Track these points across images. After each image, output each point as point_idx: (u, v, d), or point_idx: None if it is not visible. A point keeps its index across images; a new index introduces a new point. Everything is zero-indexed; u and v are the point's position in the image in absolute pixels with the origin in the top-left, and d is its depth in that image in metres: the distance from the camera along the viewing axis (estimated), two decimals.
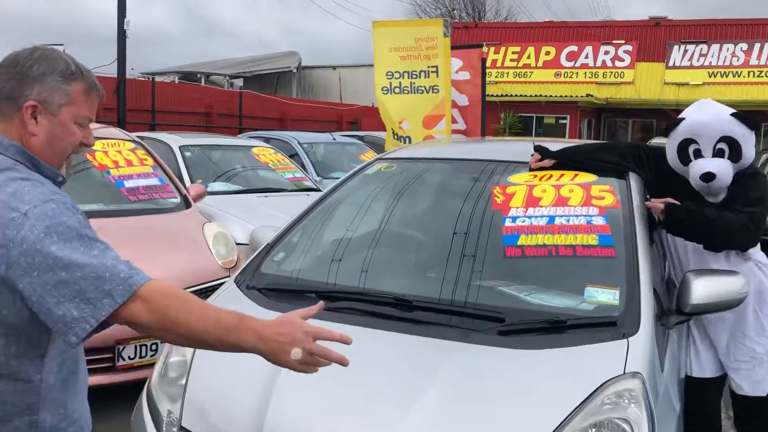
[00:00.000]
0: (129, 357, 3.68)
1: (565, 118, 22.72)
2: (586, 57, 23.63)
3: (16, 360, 1.41)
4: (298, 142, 8.81)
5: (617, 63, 23.22)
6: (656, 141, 18.11)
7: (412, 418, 1.84)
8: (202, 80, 25.56)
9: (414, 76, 7.54)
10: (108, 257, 1.37)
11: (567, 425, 1.81)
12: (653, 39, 22.92)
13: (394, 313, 2.26)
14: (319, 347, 1.40)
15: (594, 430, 1.82)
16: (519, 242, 2.46)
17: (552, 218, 2.53)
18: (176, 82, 22.36)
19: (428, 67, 7.60)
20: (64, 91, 1.47)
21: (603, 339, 2.08)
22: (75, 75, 1.49)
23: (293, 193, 6.65)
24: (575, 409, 1.84)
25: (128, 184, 4.70)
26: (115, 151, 4.87)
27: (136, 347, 3.70)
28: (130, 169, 4.80)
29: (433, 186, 3.07)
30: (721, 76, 21.74)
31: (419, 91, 7.56)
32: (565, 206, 2.58)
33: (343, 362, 1.43)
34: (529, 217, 2.54)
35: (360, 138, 11.01)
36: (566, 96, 22.12)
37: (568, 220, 2.52)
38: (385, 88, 7.42)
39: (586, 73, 23.56)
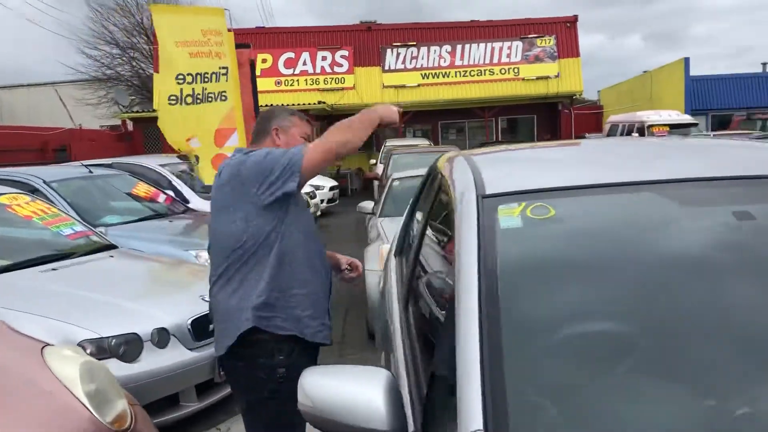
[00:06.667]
0: None
1: None
2: (305, 63, 23.19)
3: None
4: (44, 181, 6.36)
5: (336, 69, 23.20)
6: (389, 144, 18.24)
7: None
8: None
9: (206, 80, 5.84)
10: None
11: None
12: (368, 43, 23.37)
13: None
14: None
15: None
16: None
17: None
18: None
19: (219, 68, 5.93)
20: (289, 120, 2.72)
21: None
22: (293, 113, 2.79)
23: (88, 256, 4.49)
24: None
25: None
26: None
27: None
28: None
29: (612, 236, 1.69)
30: (433, 77, 23.00)
31: (209, 99, 5.88)
32: None
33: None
34: None
35: (108, 166, 8.68)
36: (294, 104, 21.43)
37: None
38: (173, 97, 5.59)
39: (307, 80, 23.10)
